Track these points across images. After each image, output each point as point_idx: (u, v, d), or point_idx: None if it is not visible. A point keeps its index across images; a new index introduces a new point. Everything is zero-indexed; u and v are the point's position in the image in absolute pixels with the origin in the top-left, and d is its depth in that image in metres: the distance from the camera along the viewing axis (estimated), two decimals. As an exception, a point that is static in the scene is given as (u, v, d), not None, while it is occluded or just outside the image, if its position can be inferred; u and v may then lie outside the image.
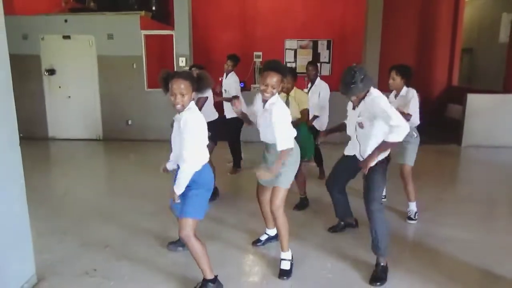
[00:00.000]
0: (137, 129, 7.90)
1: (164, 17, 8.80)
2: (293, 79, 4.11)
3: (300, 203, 4.36)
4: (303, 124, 4.04)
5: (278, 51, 9.84)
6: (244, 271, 3.12)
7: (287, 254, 2.98)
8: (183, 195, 2.58)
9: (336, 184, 3.42)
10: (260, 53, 9.74)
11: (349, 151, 3.25)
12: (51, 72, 7.76)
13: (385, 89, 7.51)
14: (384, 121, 2.82)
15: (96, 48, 7.66)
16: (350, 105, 3.16)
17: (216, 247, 3.33)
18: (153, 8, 8.73)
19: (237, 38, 9.76)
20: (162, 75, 2.56)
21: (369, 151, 2.94)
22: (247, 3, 9.68)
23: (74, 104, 7.89)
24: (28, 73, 7.71)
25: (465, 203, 4.64)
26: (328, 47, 9.81)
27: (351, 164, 3.17)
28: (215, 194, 4.56)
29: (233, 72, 5.55)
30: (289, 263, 2.97)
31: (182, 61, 7.60)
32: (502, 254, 3.28)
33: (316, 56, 9.86)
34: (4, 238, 2.58)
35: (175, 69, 7.61)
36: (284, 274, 2.92)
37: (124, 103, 7.84)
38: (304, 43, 9.86)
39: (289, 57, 9.92)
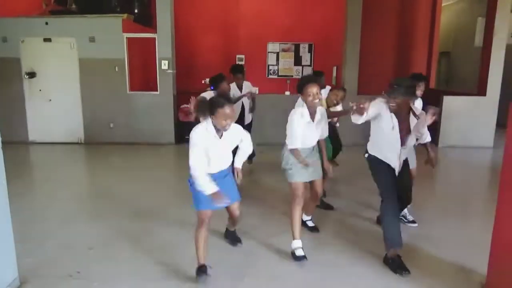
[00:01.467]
0: (120, 132, 7.87)
1: (147, 20, 8.80)
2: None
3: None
4: None
5: (260, 54, 9.96)
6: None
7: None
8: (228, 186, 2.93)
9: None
10: (243, 56, 9.84)
11: (386, 157, 3.19)
12: (32, 75, 7.67)
13: (366, 91, 7.72)
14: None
15: (78, 51, 7.62)
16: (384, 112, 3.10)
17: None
18: (136, 11, 8.72)
19: (219, 40, 9.83)
20: (215, 100, 2.74)
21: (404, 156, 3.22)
22: (230, 7, 9.76)
23: (55, 108, 7.81)
24: (8, 76, 7.62)
25: (441, 201, 4.82)
26: (310, 50, 9.98)
27: (393, 175, 3.21)
28: None
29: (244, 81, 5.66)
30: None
31: (165, 64, 7.62)
32: (476, 249, 3.42)
33: (298, 59, 10.02)
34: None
35: (157, 72, 7.64)
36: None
37: (106, 106, 7.81)
38: (286, 47, 9.99)
39: (271, 60, 10.04)
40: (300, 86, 3.21)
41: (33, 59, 7.66)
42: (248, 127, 5.52)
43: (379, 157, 3.21)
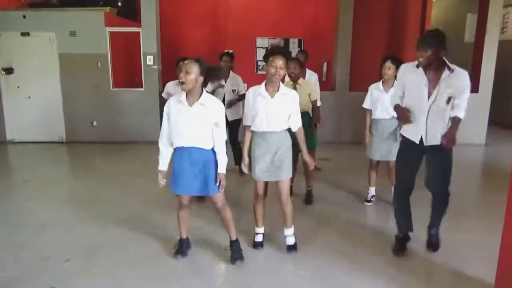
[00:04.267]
0: (103, 130, 7.56)
1: (131, 14, 8.48)
2: (300, 66, 4.21)
3: (308, 196, 4.43)
4: (305, 113, 4.01)
5: (249, 49, 9.71)
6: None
7: (291, 230, 3.27)
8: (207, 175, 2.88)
9: (411, 186, 3.15)
10: (231, 51, 9.56)
11: (410, 133, 3.04)
12: (9, 71, 7.30)
13: (357, 88, 7.56)
14: (458, 98, 2.86)
15: (58, 46, 7.27)
16: (416, 75, 2.94)
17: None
18: (119, 4, 8.39)
19: (207, 35, 9.56)
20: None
21: (437, 132, 2.90)
22: (218, 0, 9.49)
23: (34, 105, 7.46)
24: (-18, 72, 7.24)
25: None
26: (299, 45, 9.77)
27: (416, 154, 3.04)
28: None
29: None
30: (294, 237, 3.29)
31: (150, 60, 7.33)
32: (478, 255, 3.27)
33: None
34: None
35: (142, 68, 7.35)
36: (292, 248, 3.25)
37: (89, 104, 7.48)
38: (275, 42, 9.77)
39: (260, 55, 9.81)
40: (265, 56, 2.99)
41: (11, 54, 7.29)
42: (233, 125, 5.22)
43: (405, 134, 3.08)
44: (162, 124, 2.93)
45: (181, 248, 3.19)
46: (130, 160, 6.58)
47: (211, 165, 2.87)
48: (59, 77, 7.36)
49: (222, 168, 2.88)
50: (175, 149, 2.92)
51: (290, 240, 3.28)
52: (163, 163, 2.97)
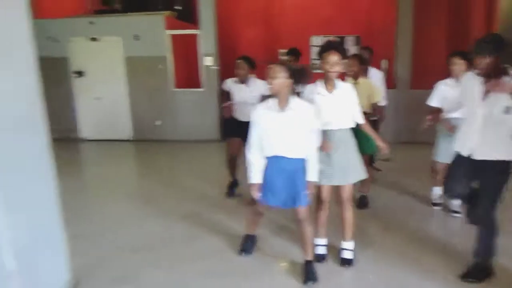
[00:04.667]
0: (166, 129, 7.90)
1: (189, 16, 8.75)
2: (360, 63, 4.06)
3: (361, 200, 4.27)
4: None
5: (303, 48, 9.64)
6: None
7: (350, 244, 3.10)
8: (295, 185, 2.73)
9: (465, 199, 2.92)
10: (285, 51, 9.57)
11: (461, 147, 2.77)
12: (80, 74, 7.84)
13: (419, 86, 7.24)
14: None
15: (124, 49, 7.69)
16: (474, 82, 2.64)
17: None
18: (178, 7, 8.70)
19: (261, 34, 9.62)
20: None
21: (491, 146, 2.58)
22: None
23: (104, 105, 7.95)
24: (57, 75, 7.80)
25: None
26: (357, 43, 9.55)
27: (466, 168, 2.72)
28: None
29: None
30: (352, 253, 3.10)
31: (209, 60, 7.53)
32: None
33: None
34: (37, 241, 2.57)
35: (201, 69, 7.57)
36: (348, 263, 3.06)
37: (152, 104, 7.85)
38: (330, 39, 9.60)
39: (315, 54, 9.71)
40: (319, 53, 2.89)
41: (81, 58, 7.82)
42: None
43: (457, 148, 2.81)
44: (251, 133, 2.79)
45: (247, 244, 3.20)
46: (189, 158, 6.81)
47: (300, 174, 2.72)
48: (126, 79, 7.80)
49: (313, 176, 2.75)
50: (266, 158, 2.78)
51: (347, 254, 3.10)
52: (256, 176, 2.80)
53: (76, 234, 3.58)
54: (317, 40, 9.68)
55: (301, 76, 2.70)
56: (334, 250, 3.21)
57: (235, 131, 4.33)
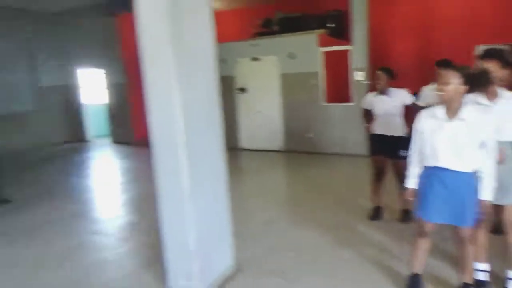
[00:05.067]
0: (315, 142, 8.30)
1: (341, 33, 9.01)
2: None
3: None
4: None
5: (466, 58, 8.87)
6: None
7: None
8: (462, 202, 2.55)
9: None
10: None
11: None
12: (243, 90, 8.88)
13: None
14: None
15: (279, 67, 8.41)
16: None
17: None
18: (331, 25, 9.05)
19: (416, 46, 9.24)
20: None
21: None
22: (427, 8, 9.08)
23: (262, 118, 8.83)
24: (225, 92, 8.93)
25: None
26: (533, 50, 8.32)
27: None
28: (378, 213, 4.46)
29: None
30: None
31: (359, 75, 7.65)
32: None
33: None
34: (212, 228, 3.16)
35: (351, 83, 7.73)
36: None
37: (304, 117, 8.35)
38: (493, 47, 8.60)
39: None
40: (478, 60, 2.71)
41: (244, 76, 8.85)
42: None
43: None
44: (413, 141, 2.72)
45: (415, 281, 2.84)
46: (339, 170, 7.03)
47: (467, 190, 2.51)
48: (281, 94, 8.52)
49: (487, 194, 2.49)
50: (425, 168, 2.66)
51: None
52: (412, 181, 2.74)
53: (238, 231, 4.19)
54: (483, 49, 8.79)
55: (479, 82, 2.47)
56: (497, 279, 2.98)
57: (378, 148, 4.36)
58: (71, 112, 11.50)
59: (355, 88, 7.78)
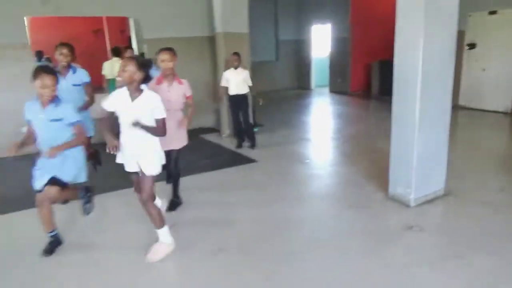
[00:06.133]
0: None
1: None
2: None
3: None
4: None
5: None
6: None
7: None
8: None
9: None
10: None
11: None
12: (472, 46, 8.54)
13: None
14: None
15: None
16: None
17: None
18: None
19: None
20: None
21: None
22: None
23: (488, 77, 8.37)
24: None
25: None
26: None
27: None
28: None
29: None
30: None
31: None
32: None
33: None
34: (434, 152, 3.89)
35: None
36: None
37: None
38: None
39: None
40: None
41: (476, 31, 8.45)
42: None
43: None
44: None
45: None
46: None
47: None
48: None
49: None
50: None
51: None
52: None
53: (449, 161, 4.57)
54: None
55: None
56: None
57: None
58: (302, 64, 13.32)
59: None
